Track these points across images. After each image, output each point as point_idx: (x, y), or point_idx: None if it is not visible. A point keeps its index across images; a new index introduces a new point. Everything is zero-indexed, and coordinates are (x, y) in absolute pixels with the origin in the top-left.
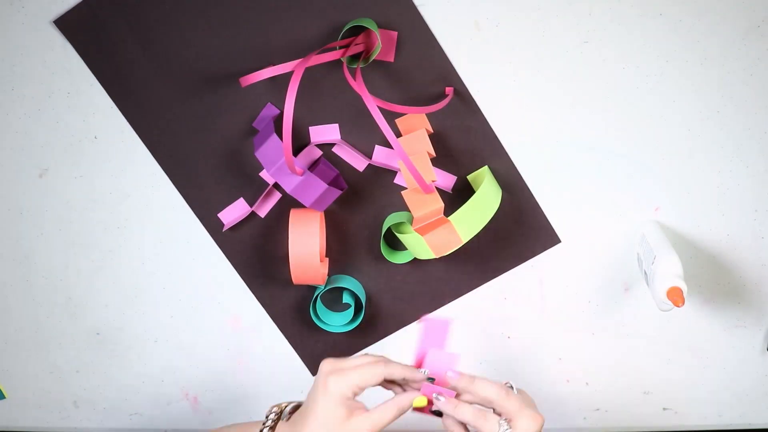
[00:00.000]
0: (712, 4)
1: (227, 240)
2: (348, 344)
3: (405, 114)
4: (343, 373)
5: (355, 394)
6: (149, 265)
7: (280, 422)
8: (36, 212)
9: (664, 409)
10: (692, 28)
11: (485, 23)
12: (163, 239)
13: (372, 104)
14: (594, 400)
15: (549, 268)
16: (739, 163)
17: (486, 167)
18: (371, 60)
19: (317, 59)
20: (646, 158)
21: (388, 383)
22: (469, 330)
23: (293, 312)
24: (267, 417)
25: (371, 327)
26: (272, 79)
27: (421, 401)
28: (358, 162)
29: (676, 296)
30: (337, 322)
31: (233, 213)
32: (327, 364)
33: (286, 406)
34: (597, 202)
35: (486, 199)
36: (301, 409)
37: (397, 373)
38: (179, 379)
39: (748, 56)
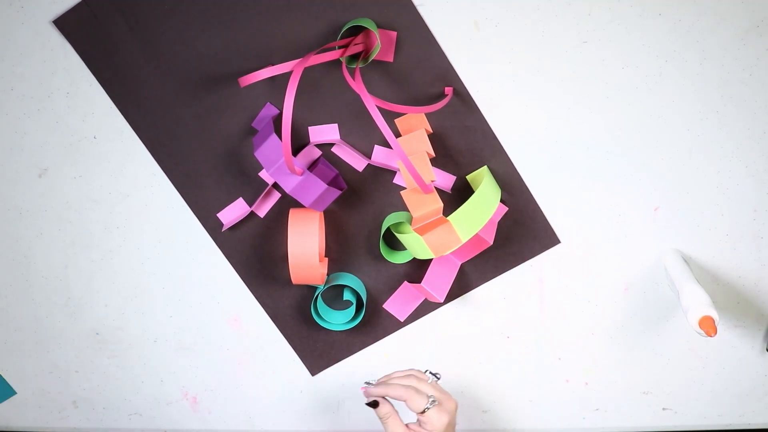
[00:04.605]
0: (712, 4)
1: (227, 240)
2: (347, 344)
3: (404, 114)
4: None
5: None
6: (149, 265)
7: None
8: (36, 212)
9: (664, 409)
10: (692, 28)
11: (485, 23)
12: (162, 239)
13: (371, 104)
14: (594, 400)
15: (549, 268)
16: (738, 163)
17: (485, 167)
18: (370, 60)
19: (316, 59)
20: (646, 158)
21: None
22: (469, 330)
23: (293, 312)
24: None
25: (370, 327)
26: (271, 79)
27: None
28: (357, 162)
29: (707, 327)
30: (338, 320)
31: (232, 213)
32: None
33: None
34: (597, 202)
35: (485, 199)
36: None
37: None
38: (179, 379)
39: (747, 56)
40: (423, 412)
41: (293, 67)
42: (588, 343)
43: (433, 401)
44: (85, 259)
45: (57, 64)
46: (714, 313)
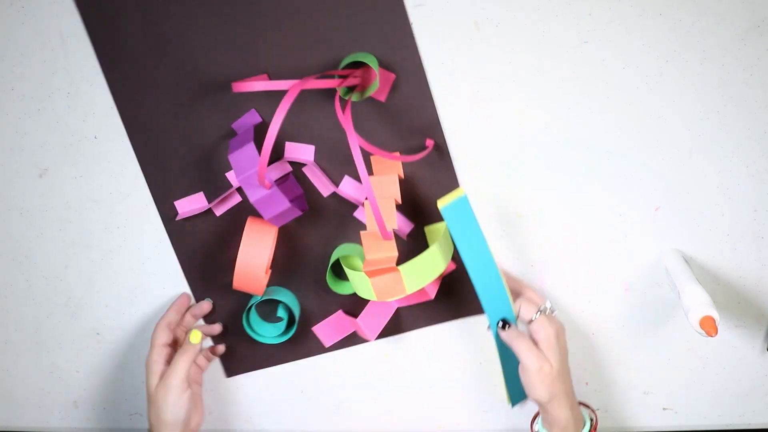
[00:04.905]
0: (712, 4)
1: (178, 229)
2: (268, 356)
3: (377, 156)
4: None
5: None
6: (149, 265)
7: None
8: (36, 212)
9: (664, 409)
10: (692, 28)
11: (485, 23)
12: (162, 239)
13: (355, 144)
14: (594, 400)
15: (549, 268)
16: (739, 163)
17: (444, 223)
18: (365, 97)
19: (314, 84)
20: (646, 158)
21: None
22: (468, 330)
23: (225, 312)
24: None
25: (297, 344)
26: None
27: (196, 336)
28: (324, 187)
29: (708, 326)
30: (268, 333)
31: (190, 204)
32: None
33: None
34: (597, 202)
35: (438, 256)
36: None
37: (173, 318)
38: None
39: (748, 56)
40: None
41: (290, 87)
42: (588, 343)
43: (546, 310)
44: (85, 259)
45: (57, 64)
46: (715, 313)
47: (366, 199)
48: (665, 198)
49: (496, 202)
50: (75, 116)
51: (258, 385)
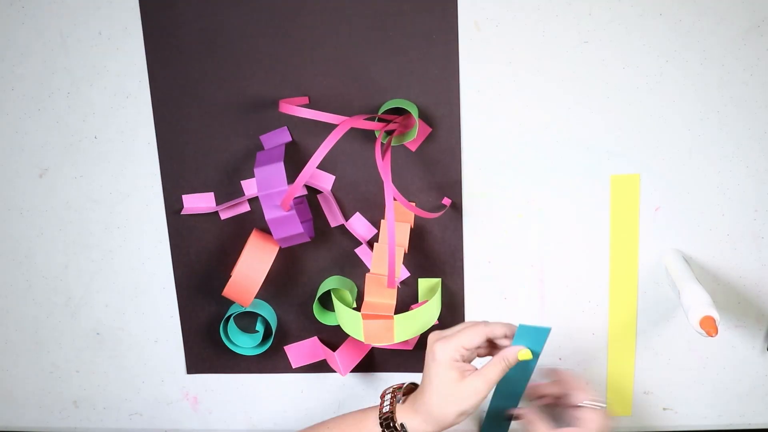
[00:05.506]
0: (712, 4)
1: (178, 224)
2: (232, 365)
3: (396, 201)
4: (447, 339)
5: (463, 357)
6: (149, 265)
7: (398, 405)
8: (36, 212)
9: (664, 409)
10: (692, 28)
11: (485, 23)
12: (162, 239)
13: (389, 193)
14: None
15: (549, 268)
16: (739, 163)
17: (439, 281)
18: (401, 143)
19: (361, 123)
20: (646, 158)
21: (489, 348)
22: None
23: (202, 311)
24: (382, 399)
25: (271, 360)
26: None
27: (526, 354)
28: (333, 218)
29: (708, 326)
30: (244, 343)
31: (198, 201)
32: (433, 335)
33: (398, 387)
34: (597, 202)
35: (430, 312)
36: (420, 384)
37: (498, 331)
38: (179, 379)
39: (748, 56)
40: (581, 406)
41: (339, 124)
42: (588, 343)
43: (601, 405)
44: (85, 259)
45: (57, 64)
46: (715, 313)
47: (377, 241)
48: (665, 198)
49: (496, 202)
50: (75, 116)
51: (258, 385)
